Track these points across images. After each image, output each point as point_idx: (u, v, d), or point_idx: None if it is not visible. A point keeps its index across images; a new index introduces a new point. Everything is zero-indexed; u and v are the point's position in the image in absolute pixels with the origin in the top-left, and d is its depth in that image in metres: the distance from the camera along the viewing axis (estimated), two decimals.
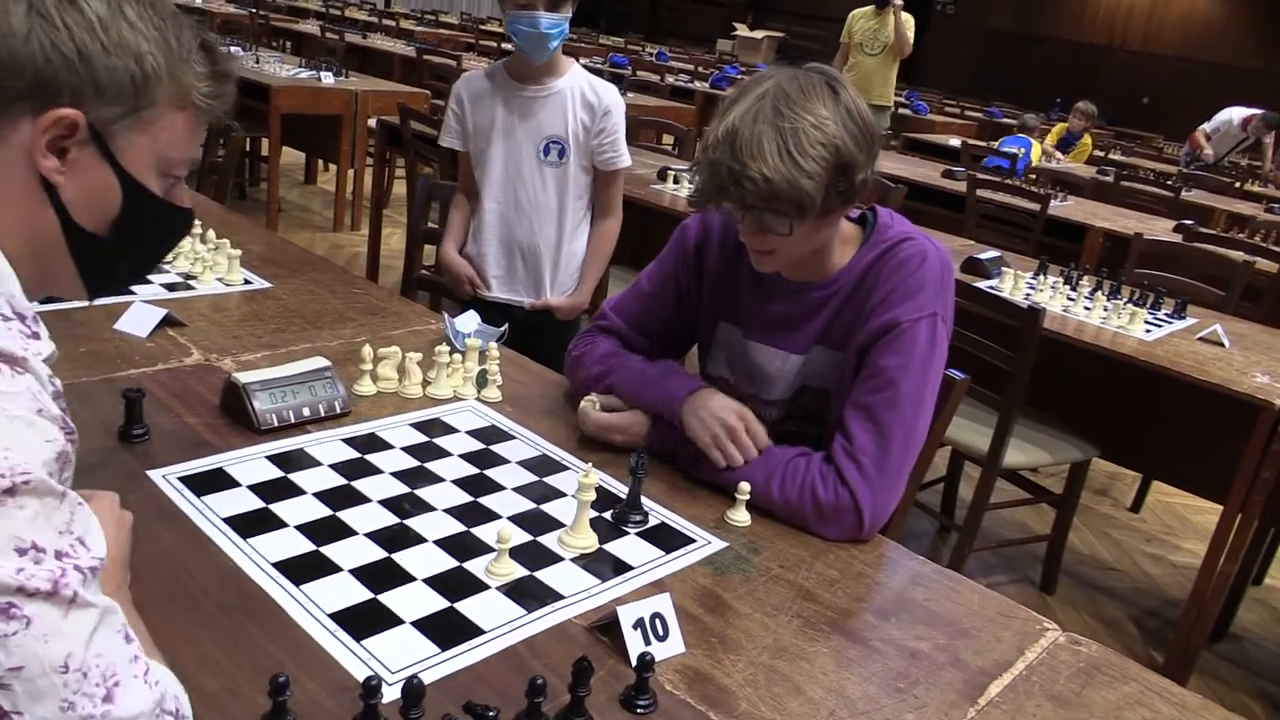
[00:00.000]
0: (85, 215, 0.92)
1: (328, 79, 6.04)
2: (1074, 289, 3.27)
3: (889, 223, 1.64)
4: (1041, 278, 3.29)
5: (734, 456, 1.53)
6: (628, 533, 1.40)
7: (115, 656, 0.78)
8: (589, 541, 1.35)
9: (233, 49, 6.60)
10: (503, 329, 2.01)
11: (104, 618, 0.78)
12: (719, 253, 1.73)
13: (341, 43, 8.47)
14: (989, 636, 1.28)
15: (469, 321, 1.99)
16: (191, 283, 2.15)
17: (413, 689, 0.91)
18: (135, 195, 0.93)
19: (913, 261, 1.56)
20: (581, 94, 2.55)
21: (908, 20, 7.20)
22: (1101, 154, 9.34)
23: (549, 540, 1.36)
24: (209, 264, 2.20)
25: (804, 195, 1.43)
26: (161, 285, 2.11)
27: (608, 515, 1.44)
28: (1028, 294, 3.22)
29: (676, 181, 4.16)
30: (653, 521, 1.44)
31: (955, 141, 8.06)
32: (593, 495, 1.34)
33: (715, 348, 1.79)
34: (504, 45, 10.30)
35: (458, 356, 1.81)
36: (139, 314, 1.89)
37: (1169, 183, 6.80)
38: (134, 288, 2.05)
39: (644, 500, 1.49)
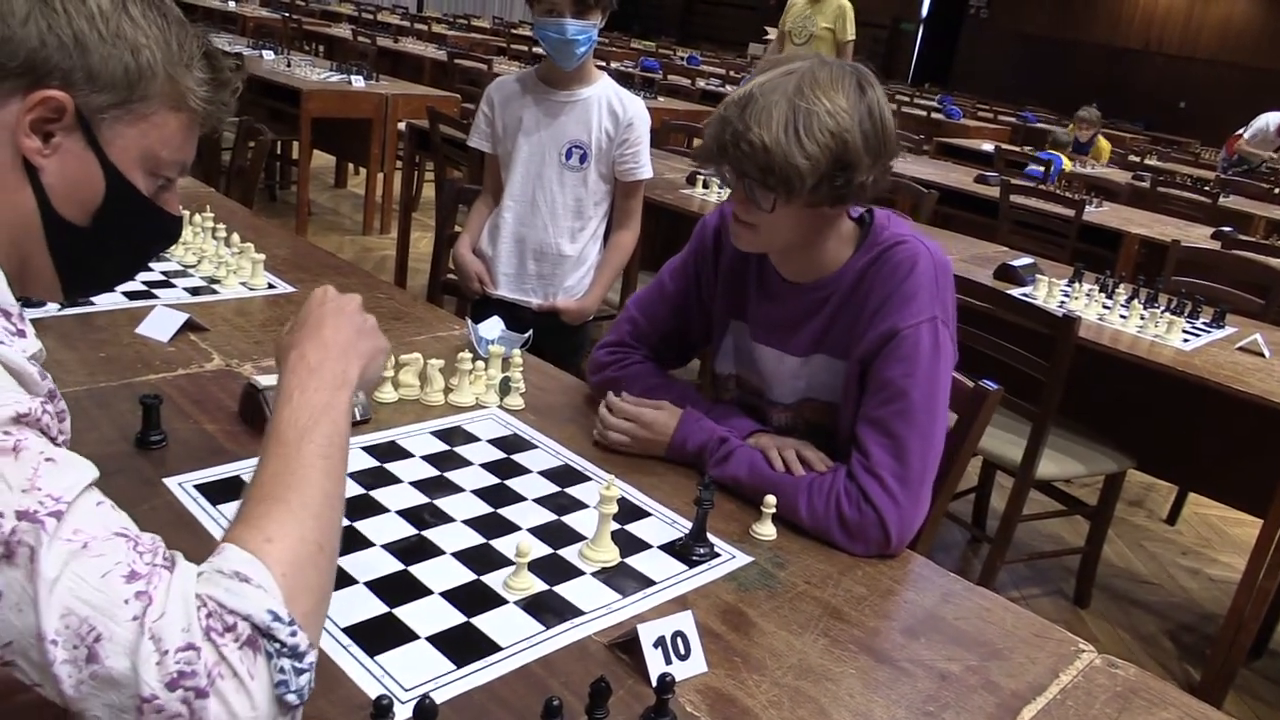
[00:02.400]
0: (65, 203, 0.91)
1: (358, 83, 6.05)
2: (1110, 297, 3.22)
3: (884, 224, 1.61)
4: (1076, 285, 3.23)
5: (792, 460, 1.53)
6: (697, 563, 1.35)
7: (92, 605, 0.71)
8: (610, 555, 1.32)
9: (264, 53, 6.63)
10: (526, 335, 1.99)
11: (68, 568, 0.71)
12: (733, 247, 1.71)
13: (373, 46, 8.49)
14: (1022, 658, 1.24)
15: (493, 328, 1.96)
16: (215, 287, 2.14)
17: (424, 709, 0.88)
18: (118, 187, 0.92)
19: (904, 266, 1.53)
20: (608, 103, 2.57)
21: (846, 9, 6.79)
22: (1137, 159, 9.22)
23: (569, 554, 1.33)
24: (233, 268, 2.19)
25: (795, 174, 1.41)
26: (185, 289, 2.10)
27: (660, 546, 1.38)
28: (1062, 301, 3.17)
29: (706, 186, 4.13)
30: (673, 536, 1.40)
31: (988, 146, 7.97)
32: (614, 508, 1.31)
33: (726, 345, 1.77)
34: (535, 50, 10.31)
35: (480, 363, 1.79)
36: (161, 318, 1.88)
37: (1206, 188, 6.69)
38: (156, 291, 2.05)
39: (665, 511, 1.47)
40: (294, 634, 0.77)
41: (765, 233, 1.54)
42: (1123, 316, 3.05)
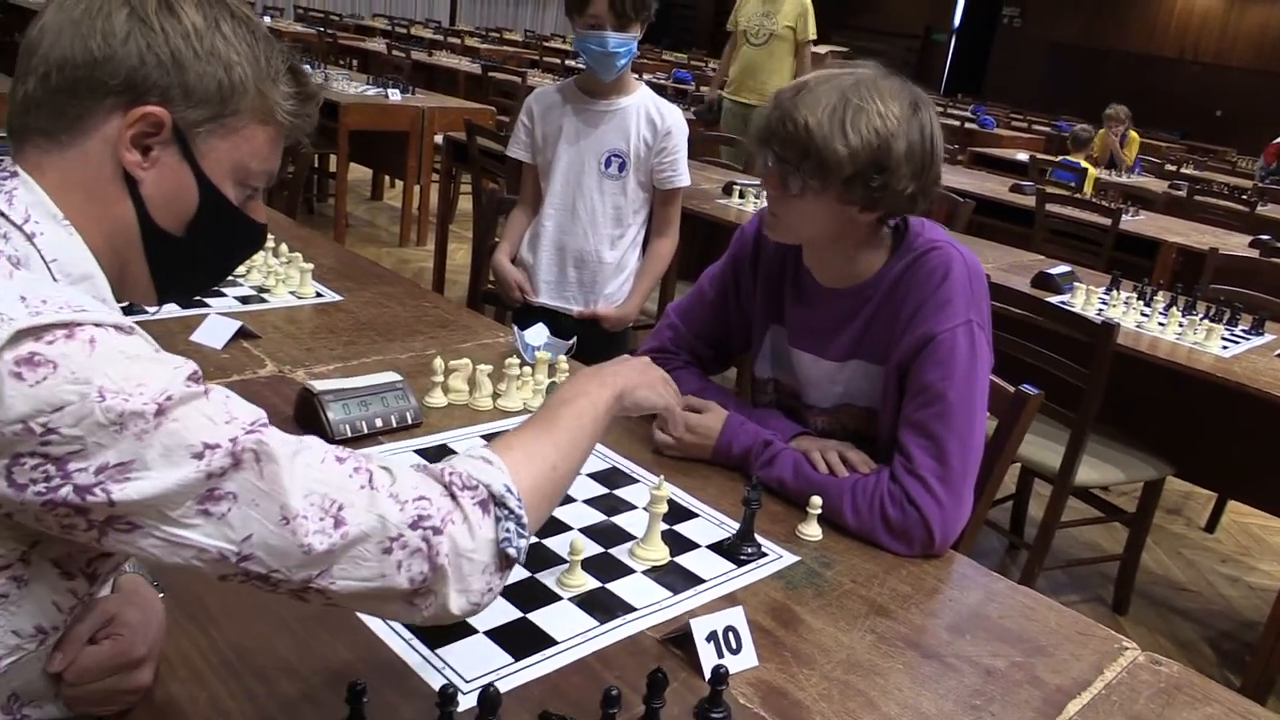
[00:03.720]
0: (162, 213, 0.95)
1: (394, 96, 6.13)
2: (1148, 304, 3.21)
3: (919, 230, 1.63)
4: (1114, 293, 3.24)
5: (835, 463, 1.56)
6: (745, 562, 1.38)
7: (329, 483, 0.83)
8: (660, 554, 1.35)
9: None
10: (571, 341, 2.02)
11: (298, 456, 0.83)
12: (773, 252, 1.75)
13: (408, 60, 8.59)
14: (1066, 655, 1.26)
15: (538, 334, 2.00)
16: (264, 295, 2.19)
17: (489, 698, 0.91)
18: (211, 199, 0.96)
19: (939, 271, 1.56)
20: (646, 113, 2.61)
21: (808, 6, 6.37)
22: (1173, 168, 9.16)
23: (620, 552, 1.36)
24: (281, 277, 2.24)
25: (832, 160, 1.44)
26: (235, 298, 2.15)
27: (709, 545, 1.41)
28: (1100, 309, 3.17)
29: (742, 196, 4.16)
30: (721, 536, 1.43)
31: (1023, 156, 7.96)
32: (664, 508, 1.35)
33: (765, 349, 1.80)
34: (568, 62, 10.37)
35: (527, 369, 1.82)
36: (214, 326, 1.93)
37: (1244, 197, 6.65)
38: (209, 301, 2.10)
39: (713, 512, 1.50)
40: (520, 506, 0.92)
41: (793, 222, 1.57)
42: (1161, 324, 3.05)
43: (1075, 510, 3.08)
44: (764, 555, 1.40)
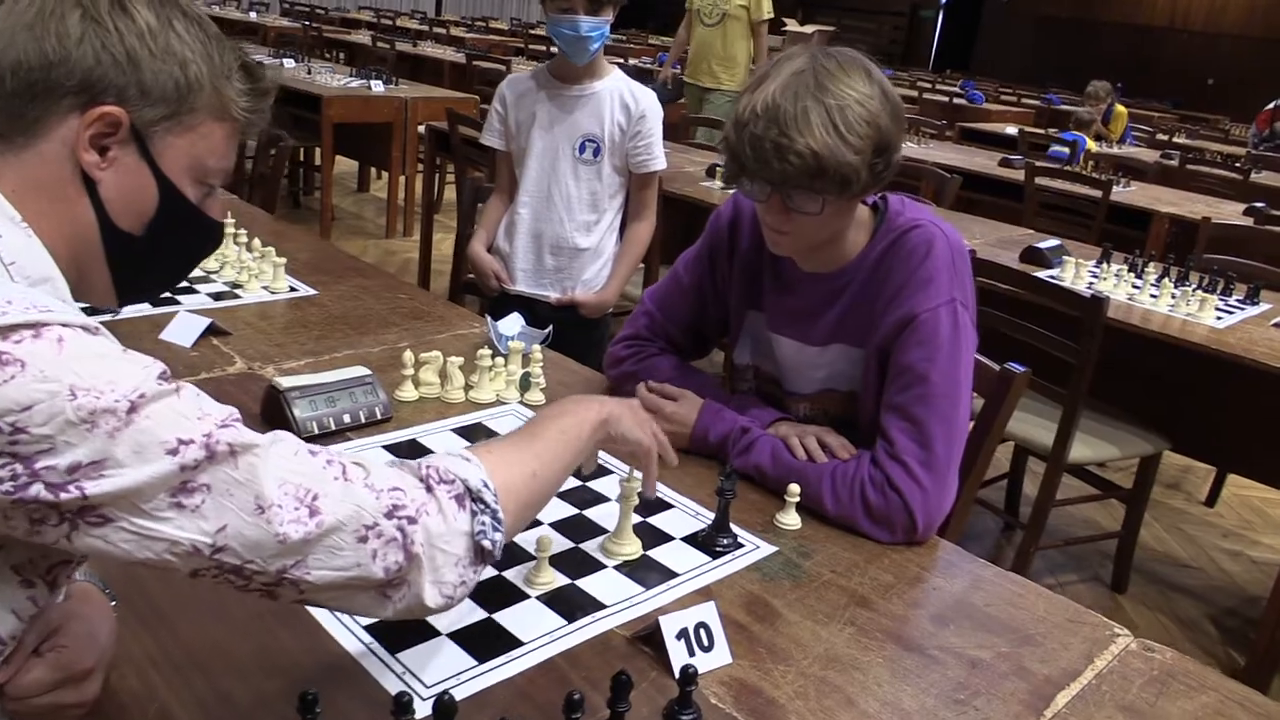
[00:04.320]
0: (122, 214, 0.94)
1: (378, 87, 6.07)
2: (1139, 276, 3.17)
3: (899, 209, 1.58)
4: (1105, 265, 3.19)
5: (814, 448, 1.52)
6: (721, 554, 1.33)
7: (303, 473, 0.83)
8: (633, 547, 1.31)
9: (286, 61, 6.66)
10: (547, 331, 1.98)
11: (271, 448, 0.82)
12: (749, 236, 1.70)
13: (392, 51, 8.51)
14: (1055, 644, 1.22)
15: (512, 324, 1.95)
16: (237, 291, 2.15)
17: (444, 706, 0.87)
18: (170, 198, 0.96)
19: (920, 250, 1.51)
20: (620, 97, 2.58)
21: None
22: (1165, 138, 9.10)
23: (590, 547, 1.32)
24: (255, 272, 2.19)
25: (850, 170, 1.40)
26: (208, 294, 2.10)
27: (683, 538, 1.37)
28: (1090, 283, 3.12)
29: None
30: (697, 527, 1.39)
31: (1012, 130, 7.89)
32: (636, 500, 1.30)
33: (744, 336, 1.75)
34: (553, 49, 10.30)
35: (500, 360, 1.78)
36: (184, 323, 1.88)
37: (1237, 165, 6.59)
38: (180, 298, 2.05)
39: (688, 502, 1.45)
40: (496, 501, 0.92)
41: (804, 234, 1.51)
42: (1153, 296, 3.00)
43: (1071, 488, 3.04)
44: (740, 546, 1.35)
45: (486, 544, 0.90)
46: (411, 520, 0.86)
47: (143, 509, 0.77)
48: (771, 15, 6.30)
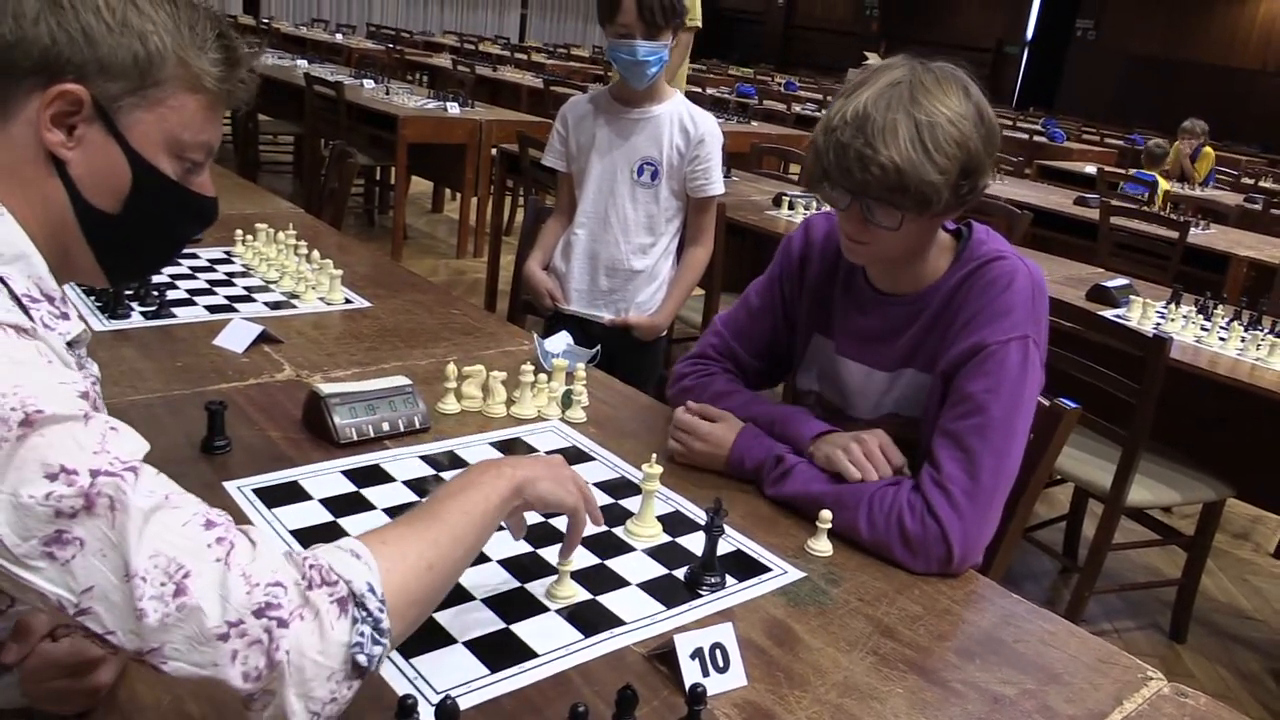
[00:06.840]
0: (95, 192, 0.94)
1: (453, 109, 6.17)
2: (1209, 319, 3.09)
3: (983, 239, 1.56)
4: (1173, 307, 3.11)
5: (866, 466, 1.46)
6: (705, 593, 1.26)
7: (180, 547, 0.77)
8: (654, 530, 1.34)
9: (365, 81, 6.80)
10: (594, 350, 1.99)
11: (157, 513, 0.77)
12: (819, 262, 1.69)
13: (471, 75, 8.65)
14: (1084, 683, 1.18)
15: (558, 342, 1.97)
16: (294, 301, 2.19)
17: (445, 711, 0.88)
18: (144, 173, 0.95)
19: (1001, 281, 1.48)
20: (680, 121, 2.59)
21: None
22: (1250, 182, 8.87)
23: (613, 563, 1.31)
24: (312, 283, 2.24)
25: (931, 190, 1.38)
26: (264, 303, 2.15)
27: (679, 574, 1.30)
28: (1157, 323, 3.05)
29: (791, 207, 4.10)
30: (727, 548, 1.38)
31: (1091, 169, 7.76)
32: (657, 485, 1.33)
33: (808, 360, 1.74)
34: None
35: (543, 376, 1.79)
36: (237, 330, 1.93)
37: None
38: (236, 305, 2.10)
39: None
40: (381, 610, 0.84)
41: (881, 247, 1.50)
42: (1221, 339, 2.93)
43: (1133, 533, 2.96)
44: (724, 586, 1.29)
45: (362, 659, 0.82)
46: (282, 624, 0.78)
47: (14, 554, 0.74)
48: (699, 24, 5.73)
